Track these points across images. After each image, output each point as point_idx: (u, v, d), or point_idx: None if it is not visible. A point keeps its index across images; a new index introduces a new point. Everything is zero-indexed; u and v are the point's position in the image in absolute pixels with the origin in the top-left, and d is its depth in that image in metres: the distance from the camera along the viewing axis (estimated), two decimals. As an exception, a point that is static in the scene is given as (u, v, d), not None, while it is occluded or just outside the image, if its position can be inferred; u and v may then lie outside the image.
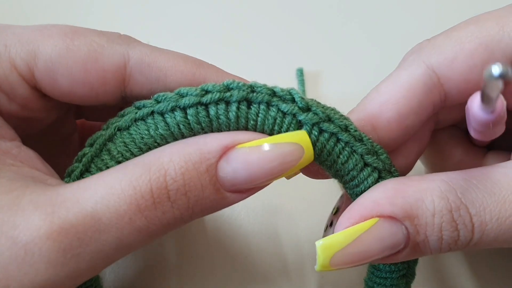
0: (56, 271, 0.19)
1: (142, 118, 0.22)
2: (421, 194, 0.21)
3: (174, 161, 0.20)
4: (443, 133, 0.29)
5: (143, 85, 0.23)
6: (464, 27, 0.24)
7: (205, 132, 0.22)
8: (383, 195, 0.21)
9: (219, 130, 0.22)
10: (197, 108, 0.22)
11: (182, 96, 0.22)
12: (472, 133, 0.23)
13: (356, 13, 0.45)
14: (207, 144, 0.21)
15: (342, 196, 0.28)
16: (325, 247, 0.20)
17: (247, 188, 0.21)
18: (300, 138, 0.21)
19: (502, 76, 0.16)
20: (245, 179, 0.21)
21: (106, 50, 0.23)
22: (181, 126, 0.22)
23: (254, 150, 0.21)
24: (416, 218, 0.21)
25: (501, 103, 0.19)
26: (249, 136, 0.21)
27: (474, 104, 0.19)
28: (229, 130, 0.22)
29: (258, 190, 0.22)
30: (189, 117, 0.22)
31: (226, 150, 0.21)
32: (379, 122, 0.24)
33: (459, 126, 0.29)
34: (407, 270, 0.25)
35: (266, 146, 0.21)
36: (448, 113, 0.27)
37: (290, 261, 0.32)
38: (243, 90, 0.22)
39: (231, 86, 0.22)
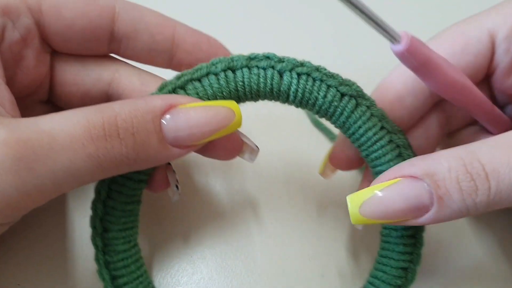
0: (7, 178, 0.19)
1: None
2: (437, 157, 0.23)
3: (124, 108, 0.22)
4: (464, 132, 0.31)
5: (127, 22, 0.27)
6: (448, 29, 0.29)
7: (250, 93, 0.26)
8: (405, 162, 0.24)
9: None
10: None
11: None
12: (485, 125, 0.26)
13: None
14: (153, 100, 0.23)
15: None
16: (353, 197, 0.24)
17: (186, 145, 0.24)
18: (232, 104, 0.24)
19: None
20: (186, 134, 0.23)
21: None
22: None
23: (194, 109, 0.24)
24: (435, 175, 0.23)
25: (404, 34, 0.22)
26: (189, 99, 0.24)
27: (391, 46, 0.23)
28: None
29: (194, 148, 0.24)
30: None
31: (169, 108, 0.23)
32: (384, 103, 0.28)
33: (479, 125, 0.31)
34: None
35: (205, 107, 0.24)
36: (456, 109, 0.30)
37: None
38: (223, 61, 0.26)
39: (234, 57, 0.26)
